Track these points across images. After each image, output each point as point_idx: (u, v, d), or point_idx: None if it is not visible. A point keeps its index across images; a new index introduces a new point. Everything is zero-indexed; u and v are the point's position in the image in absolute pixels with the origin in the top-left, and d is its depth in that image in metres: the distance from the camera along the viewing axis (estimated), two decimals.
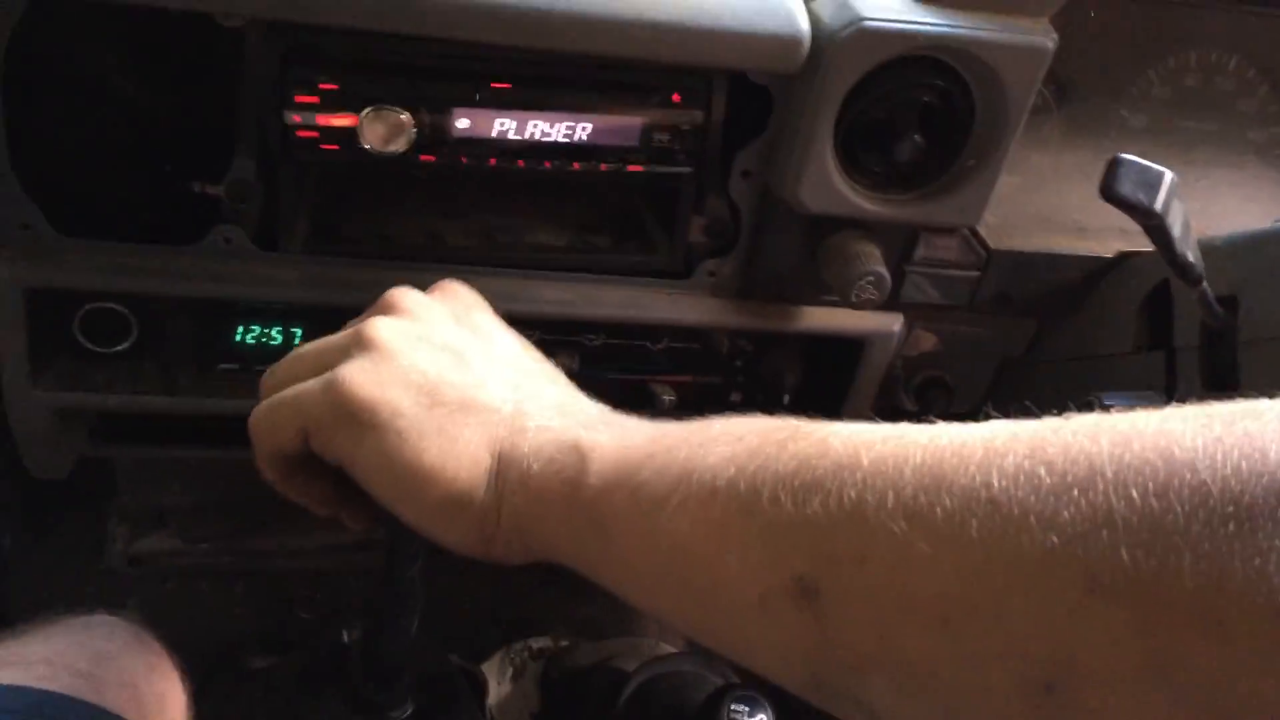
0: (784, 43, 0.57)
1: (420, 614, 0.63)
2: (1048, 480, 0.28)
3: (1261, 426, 0.26)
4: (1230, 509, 0.25)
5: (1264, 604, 0.24)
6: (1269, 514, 0.25)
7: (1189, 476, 0.26)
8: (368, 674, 0.67)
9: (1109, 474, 0.27)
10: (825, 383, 0.75)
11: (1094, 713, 0.27)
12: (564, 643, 0.99)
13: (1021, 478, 0.29)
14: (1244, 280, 0.59)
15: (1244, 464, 0.26)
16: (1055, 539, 0.27)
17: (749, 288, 0.69)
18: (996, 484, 0.29)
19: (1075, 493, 0.27)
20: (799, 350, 0.75)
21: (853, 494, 0.32)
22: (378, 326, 0.46)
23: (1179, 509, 0.26)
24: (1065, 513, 0.27)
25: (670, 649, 0.96)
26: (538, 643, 0.98)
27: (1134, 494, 0.26)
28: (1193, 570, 0.25)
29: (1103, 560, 0.26)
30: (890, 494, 0.31)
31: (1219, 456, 0.26)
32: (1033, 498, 0.28)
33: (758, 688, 0.77)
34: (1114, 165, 0.52)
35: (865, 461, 0.33)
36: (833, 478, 0.33)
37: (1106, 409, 0.60)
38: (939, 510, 0.30)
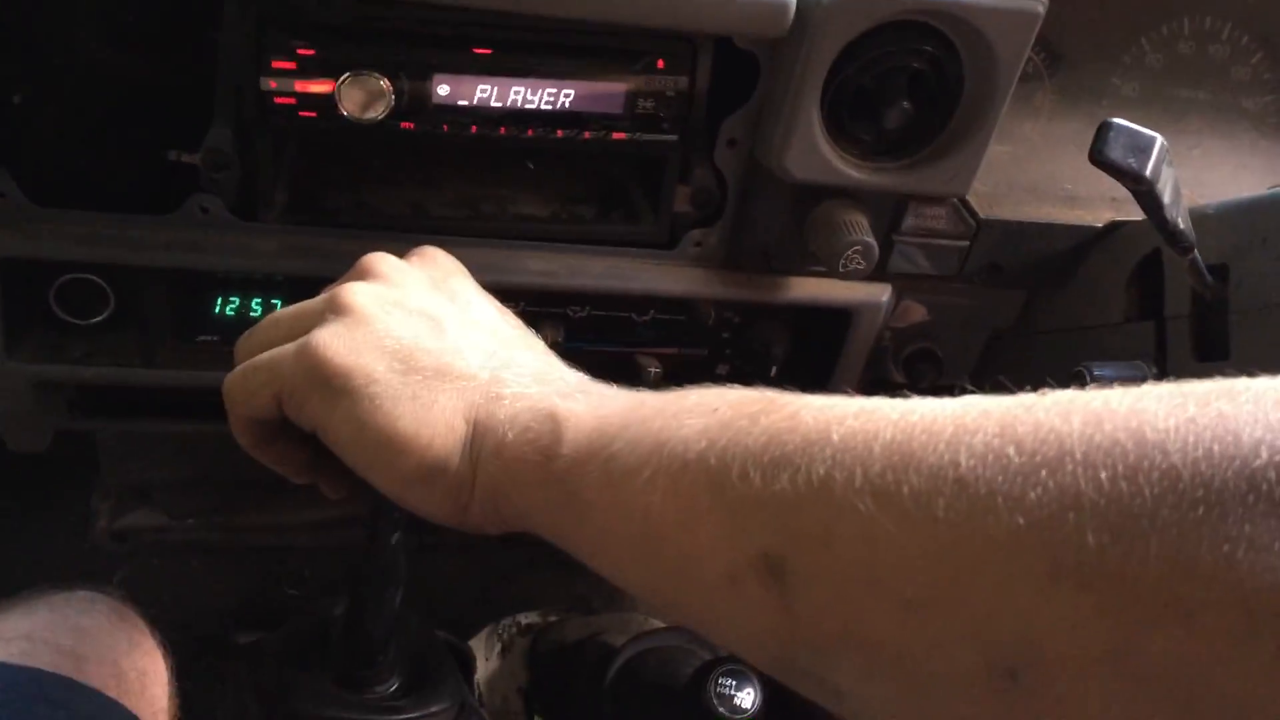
0: (770, 6, 0.56)
1: (404, 587, 0.63)
2: (1016, 460, 0.28)
3: (1236, 408, 0.26)
4: (1200, 493, 0.24)
5: (1231, 592, 0.23)
6: (1239, 499, 0.24)
7: (1159, 459, 0.25)
8: (351, 648, 0.66)
9: (1078, 455, 0.27)
10: (813, 355, 0.75)
11: (1059, 699, 0.27)
12: (552, 618, 0.98)
13: (990, 457, 0.28)
14: (1235, 249, 0.58)
15: (1216, 447, 0.25)
16: (1021, 521, 0.27)
17: (735, 258, 0.68)
18: (964, 463, 0.28)
19: (1043, 474, 0.27)
20: (786, 322, 0.74)
21: (821, 471, 0.31)
22: (353, 291, 0.45)
23: (1147, 492, 0.25)
24: (1032, 494, 0.27)
25: (658, 624, 0.96)
26: (526, 618, 0.98)
27: (1102, 476, 0.26)
28: (1159, 556, 0.24)
29: (1068, 544, 0.26)
30: (858, 471, 0.31)
31: (1191, 439, 0.25)
32: (1000, 478, 0.28)
33: (745, 662, 0.77)
34: (1104, 129, 0.51)
35: (835, 437, 0.32)
36: (802, 454, 0.32)
37: (1095, 379, 0.59)
38: (906, 489, 0.29)
